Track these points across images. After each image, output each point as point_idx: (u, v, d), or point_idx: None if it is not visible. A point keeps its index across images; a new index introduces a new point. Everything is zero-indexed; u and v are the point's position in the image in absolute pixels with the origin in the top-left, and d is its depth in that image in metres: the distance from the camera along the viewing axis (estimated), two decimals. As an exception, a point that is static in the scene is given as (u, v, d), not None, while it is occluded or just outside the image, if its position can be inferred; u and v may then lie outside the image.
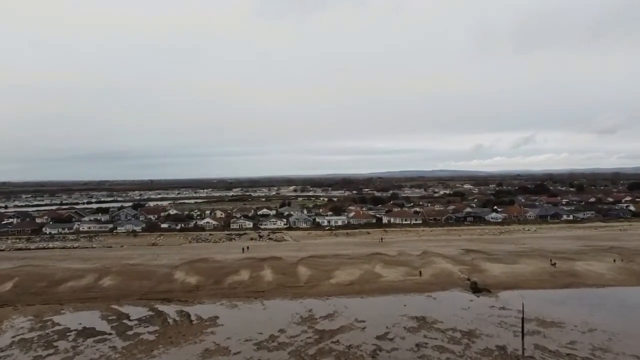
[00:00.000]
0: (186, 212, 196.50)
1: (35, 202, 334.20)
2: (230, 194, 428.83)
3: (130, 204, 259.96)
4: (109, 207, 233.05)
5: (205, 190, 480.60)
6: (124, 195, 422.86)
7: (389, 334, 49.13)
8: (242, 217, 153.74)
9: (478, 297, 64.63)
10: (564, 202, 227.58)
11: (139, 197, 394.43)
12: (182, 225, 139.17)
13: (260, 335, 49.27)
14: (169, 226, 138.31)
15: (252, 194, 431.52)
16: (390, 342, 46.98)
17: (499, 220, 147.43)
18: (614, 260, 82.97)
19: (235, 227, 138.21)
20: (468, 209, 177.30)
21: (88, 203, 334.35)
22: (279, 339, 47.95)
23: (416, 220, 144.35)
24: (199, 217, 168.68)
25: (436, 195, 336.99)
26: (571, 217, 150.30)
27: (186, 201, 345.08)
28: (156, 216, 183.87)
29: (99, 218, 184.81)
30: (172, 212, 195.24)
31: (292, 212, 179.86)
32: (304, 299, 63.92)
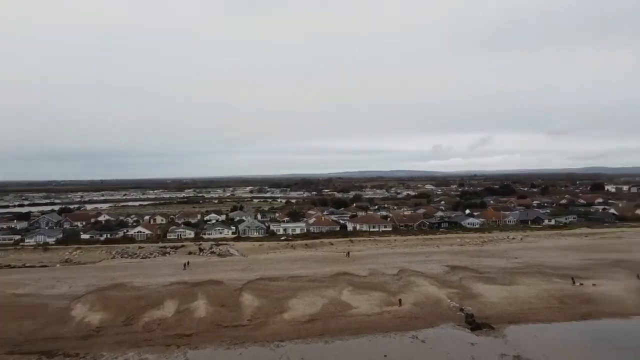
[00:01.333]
0: (121, 218, 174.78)
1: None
2: (181, 195, 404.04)
3: (58, 207, 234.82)
4: (30, 212, 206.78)
5: (154, 192, 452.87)
6: (62, 197, 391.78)
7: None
8: (182, 225, 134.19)
9: (478, 336, 49.96)
10: (535, 204, 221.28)
11: (79, 199, 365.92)
12: (108, 235, 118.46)
13: None
14: (91, 237, 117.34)
15: (205, 195, 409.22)
16: None
17: (477, 226, 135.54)
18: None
19: (173, 237, 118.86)
20: (440, 213, 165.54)
21: (20, 206, 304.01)
22: None
23: (386, 227, 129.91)
24: (134, 224, 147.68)
25: (400, 196, 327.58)
26: (553, 222, 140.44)
27: (130, 204, 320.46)
28: (83, 223, 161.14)
29: (13, 226, 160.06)
30: (104, 218, 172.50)
31: (243, 218, 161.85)
32: (246, 347, 47.43)
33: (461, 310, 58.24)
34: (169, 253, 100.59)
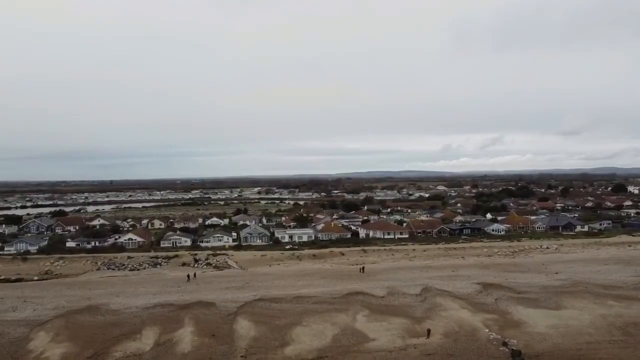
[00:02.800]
0: (117, 222, 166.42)
1: None
2: (188, 196, 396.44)
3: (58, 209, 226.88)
4: (21, 216, 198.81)
5: (161, 193, 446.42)
6: (66, 198, 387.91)
7: None
8: (178, 232, 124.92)
9: (531, 382, 39.60)
10: (559, 208, 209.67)
11: (82, 201, 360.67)
12: (96, 243, 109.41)
13: None
14: (78, 245, 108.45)
15: (211, 196, 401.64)
16: None
17: (502, 232, 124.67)
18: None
19: (167, 245, 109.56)
20: (459, 218, 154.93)
21: (22, 207, 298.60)
22: None
23: (402, 234, 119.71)
24: (129, 229, 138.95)
25: (412, 198, 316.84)
26: (586, 229, 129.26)
27: (133, 205, 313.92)
28: (76, 228, 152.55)
29: (0, 231, 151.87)
30: (98, 222, 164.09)
31: (247, 222, 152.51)
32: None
33: (504, 344, 47.93)
34: (160, 264, 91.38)
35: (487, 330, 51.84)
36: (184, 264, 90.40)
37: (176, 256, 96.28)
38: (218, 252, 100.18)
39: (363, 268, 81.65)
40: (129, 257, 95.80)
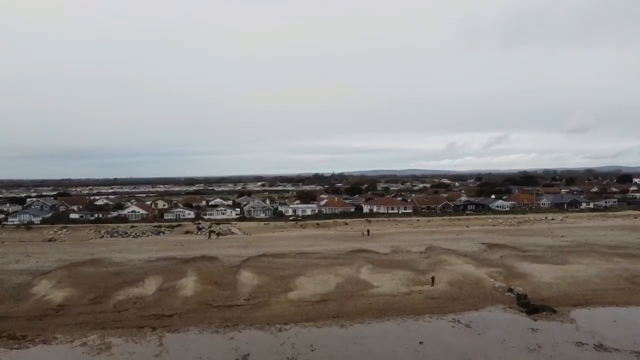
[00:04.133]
0: (122, 202, 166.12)
1: None
2: (192, 189, 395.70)
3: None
4: (26, 197, 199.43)
5: (165, 186, 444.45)
6: (71, 190, 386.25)
7: None
8: (181, 206, 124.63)
9: (537, 320, 39.37)
10: (564, 193, 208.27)
11: (87, 192, 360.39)
12: (100, 215, 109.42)
13: None
14: (81, 217, 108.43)
15: (215, 188, 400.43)
16: None
17: (507, 209, 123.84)
18: None
19: (170, 217, 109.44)
20: (464, 198, 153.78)
21: (27, 197, 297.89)
22: None
23: (405, 209, 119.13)
24: (133, 203, 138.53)
25: (416, 188, 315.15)
26: (592, 205, 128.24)
27: (137, 195, 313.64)
28: (80, 207, 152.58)
29: (5, 209, 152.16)
30: (102, 201, 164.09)
31: (250, 202, 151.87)
32: (239, 330, 37.52)
33: (510, 290, 47.55)
34: (163, 232, 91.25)
35: (492, 280, 51.50)
36: (187, 232, 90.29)
37: (179, 225, 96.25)
38: (222, 223, 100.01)
39: (368, 231, 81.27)
40: (132, 226, 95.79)
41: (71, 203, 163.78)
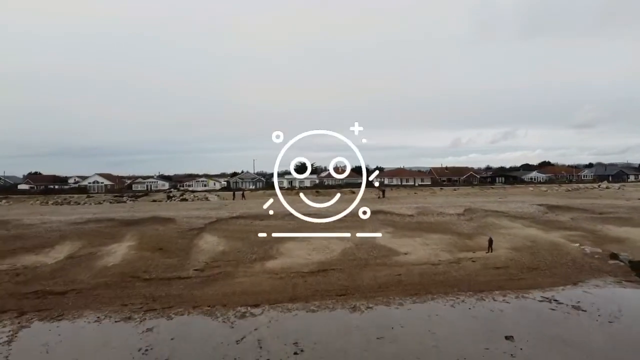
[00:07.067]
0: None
1: None
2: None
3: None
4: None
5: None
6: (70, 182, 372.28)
7: None
8: (155, 177, 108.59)
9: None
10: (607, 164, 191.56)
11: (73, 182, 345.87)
12: (57, 186, 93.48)
13: None
14: (31, 188, 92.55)
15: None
16: None
17: (544, 180, 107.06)
18: None
19: (140, 188, 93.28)
20: (490, 173, 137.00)
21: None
22: None
23: (423, 180, 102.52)
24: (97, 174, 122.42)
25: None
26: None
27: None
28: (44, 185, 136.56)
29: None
30: (74, 180, 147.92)
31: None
32: (170, 316, 21.12)
33: (614, 257, 31.16)
34: (124, 202, 74.94)
35: (577, 245, 35.09)
36: (154, 201, 74.01)
37: (146, 195, 79.87)
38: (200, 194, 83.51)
39: (383, 192, 64.87)
40: (88, 196, 79.88)
41: (38, 181, 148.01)
